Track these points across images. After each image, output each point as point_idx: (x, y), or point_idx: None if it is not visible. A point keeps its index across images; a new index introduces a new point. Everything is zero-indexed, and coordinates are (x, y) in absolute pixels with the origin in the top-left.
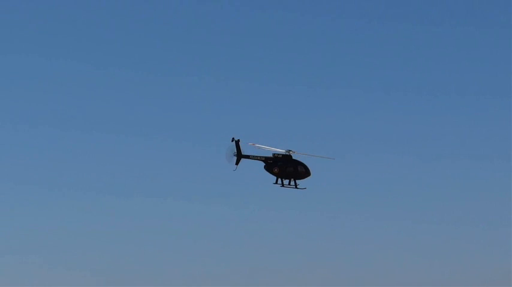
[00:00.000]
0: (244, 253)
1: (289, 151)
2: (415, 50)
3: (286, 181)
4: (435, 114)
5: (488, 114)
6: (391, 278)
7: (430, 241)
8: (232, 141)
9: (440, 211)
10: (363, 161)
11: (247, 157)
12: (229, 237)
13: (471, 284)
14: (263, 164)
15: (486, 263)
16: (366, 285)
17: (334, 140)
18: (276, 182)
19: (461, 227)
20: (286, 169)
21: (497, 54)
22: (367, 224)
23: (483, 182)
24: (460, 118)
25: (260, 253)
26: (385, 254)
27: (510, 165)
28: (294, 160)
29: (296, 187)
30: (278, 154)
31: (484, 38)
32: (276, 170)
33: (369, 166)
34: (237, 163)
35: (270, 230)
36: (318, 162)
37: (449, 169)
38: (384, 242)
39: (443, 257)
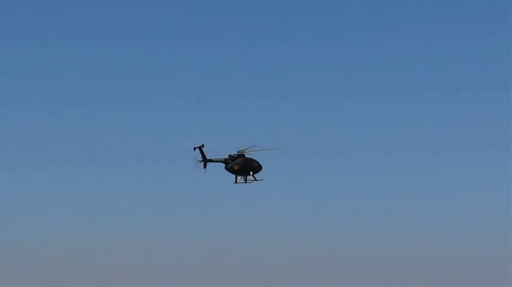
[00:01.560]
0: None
1: (241, 150)
2: None
3: (245, 178)
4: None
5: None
6: (389, 278)
7: (429, 241)
8: (195, 149)
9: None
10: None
11: (211, 160)
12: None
13: (471, 284)
14: (223, 165)
15: (486, 263)
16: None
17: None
18: (236, 181)
19: (460, 227)
20: (244, 165)
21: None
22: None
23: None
24: None
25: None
26: (381, 252)
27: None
28: (248, 157)
29: (255, 180)
30: (234, 155)
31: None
32: (236, 167)
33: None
34: (204, 167)
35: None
36: (267, 155)
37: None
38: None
39: (442, 257)
